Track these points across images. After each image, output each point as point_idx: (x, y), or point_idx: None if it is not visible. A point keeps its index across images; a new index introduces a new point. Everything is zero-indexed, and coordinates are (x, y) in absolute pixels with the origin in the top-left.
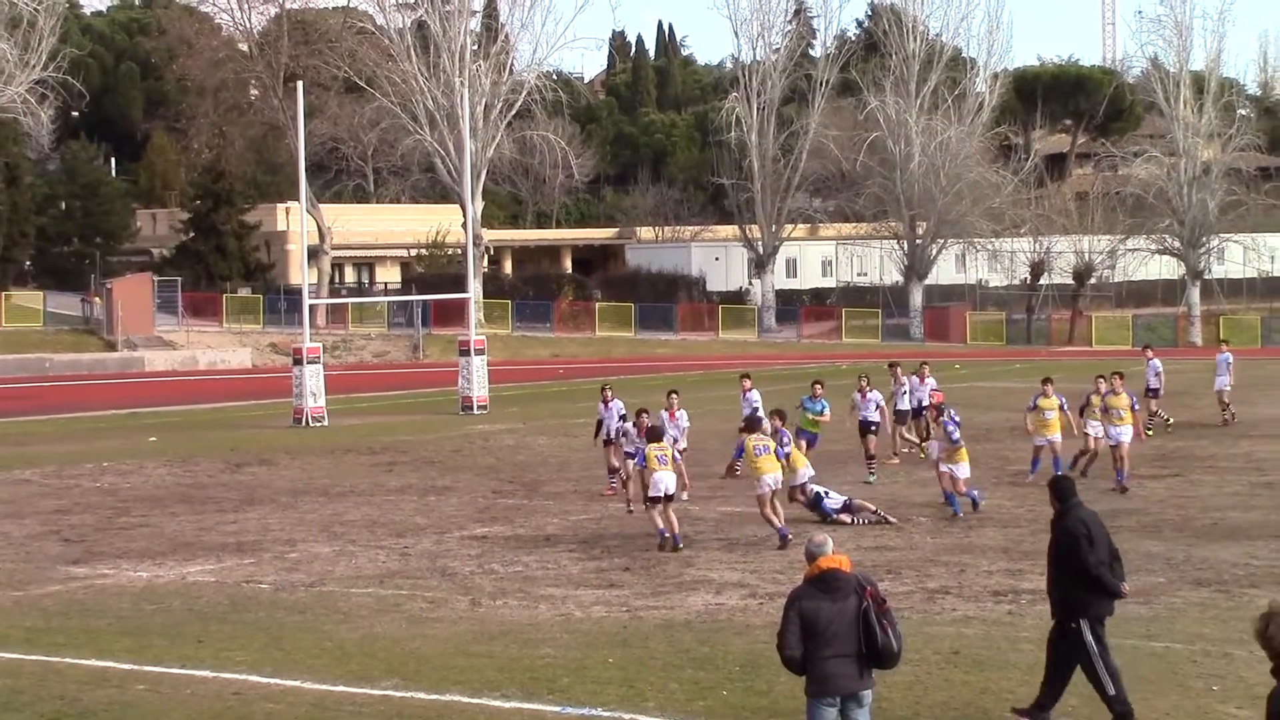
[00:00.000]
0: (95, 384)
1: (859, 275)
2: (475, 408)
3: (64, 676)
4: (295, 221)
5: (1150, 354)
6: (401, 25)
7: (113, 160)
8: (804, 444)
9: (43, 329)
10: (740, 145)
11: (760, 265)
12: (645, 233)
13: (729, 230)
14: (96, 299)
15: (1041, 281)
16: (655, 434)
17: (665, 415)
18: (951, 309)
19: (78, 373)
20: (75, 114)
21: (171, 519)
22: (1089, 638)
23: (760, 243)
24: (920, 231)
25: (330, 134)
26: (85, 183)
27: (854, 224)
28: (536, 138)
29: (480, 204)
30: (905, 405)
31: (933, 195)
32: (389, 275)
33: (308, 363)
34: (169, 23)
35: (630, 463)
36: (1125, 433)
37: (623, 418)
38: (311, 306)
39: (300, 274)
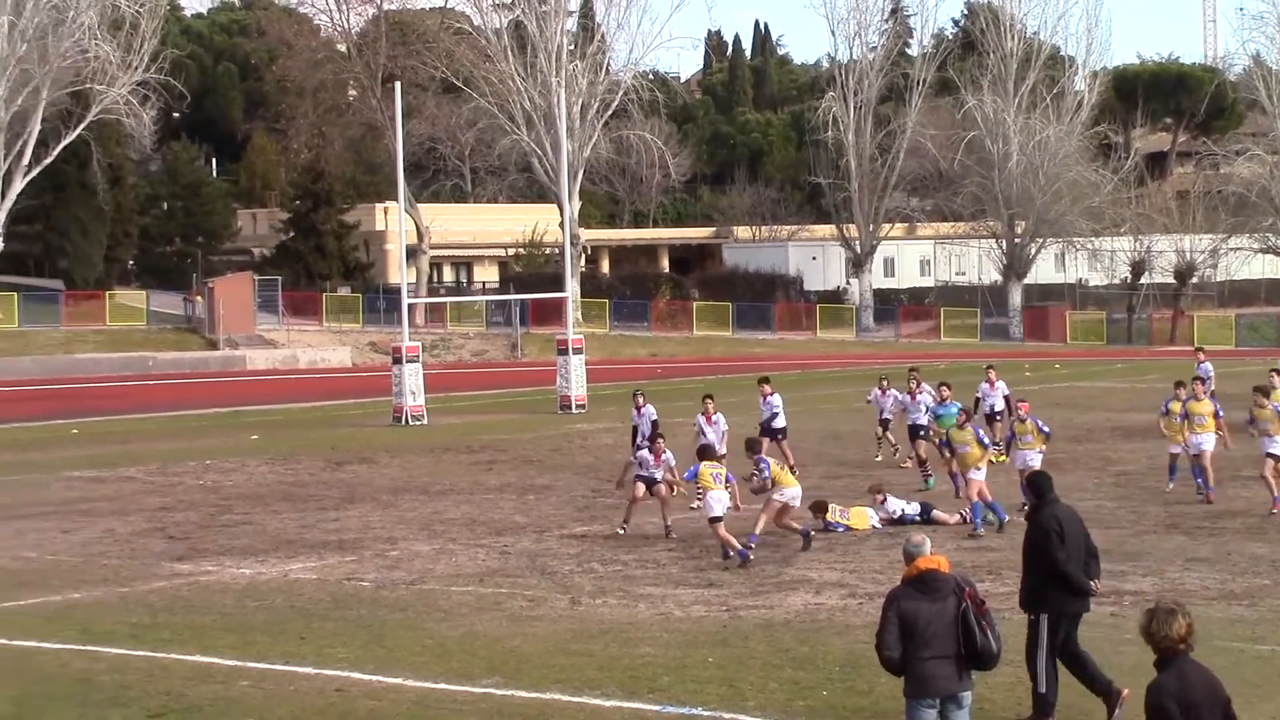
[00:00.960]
0: (197, 382)
1: (957, 274)
2: (573, 407)
3: (170, 672)
4: (394, 221)
5: (1202, 356)
6: (498, 25)
7: (213, 161)
8: (948, 453)
9: (146, 328)
10: (837, 144)
11: (858, 264)
12: (742, 232)
13: (826, 230)
14: (198, 298)
15: (1142, 281)
16: (708, 452)
17: (702, 420)
18: (1051, 308)
19: (180, 371)
20: (176, 115)
21: (274, 516)
22: (1043, 632)
23: (857, 242)
24: (1019, 230)
25: (428, 134)
26: (187, 183)
27: (952, 223)
28: (633, 137)
29: (577, 203)
30: (923, 419)
31: (1031, 194)
32: (487, 274)
33: (407, 361)
34: (268, 24)
35: (639, 485)
36: (1207, 440)
37: (654, 424)
38: (410, 305)
39: (399, 273)
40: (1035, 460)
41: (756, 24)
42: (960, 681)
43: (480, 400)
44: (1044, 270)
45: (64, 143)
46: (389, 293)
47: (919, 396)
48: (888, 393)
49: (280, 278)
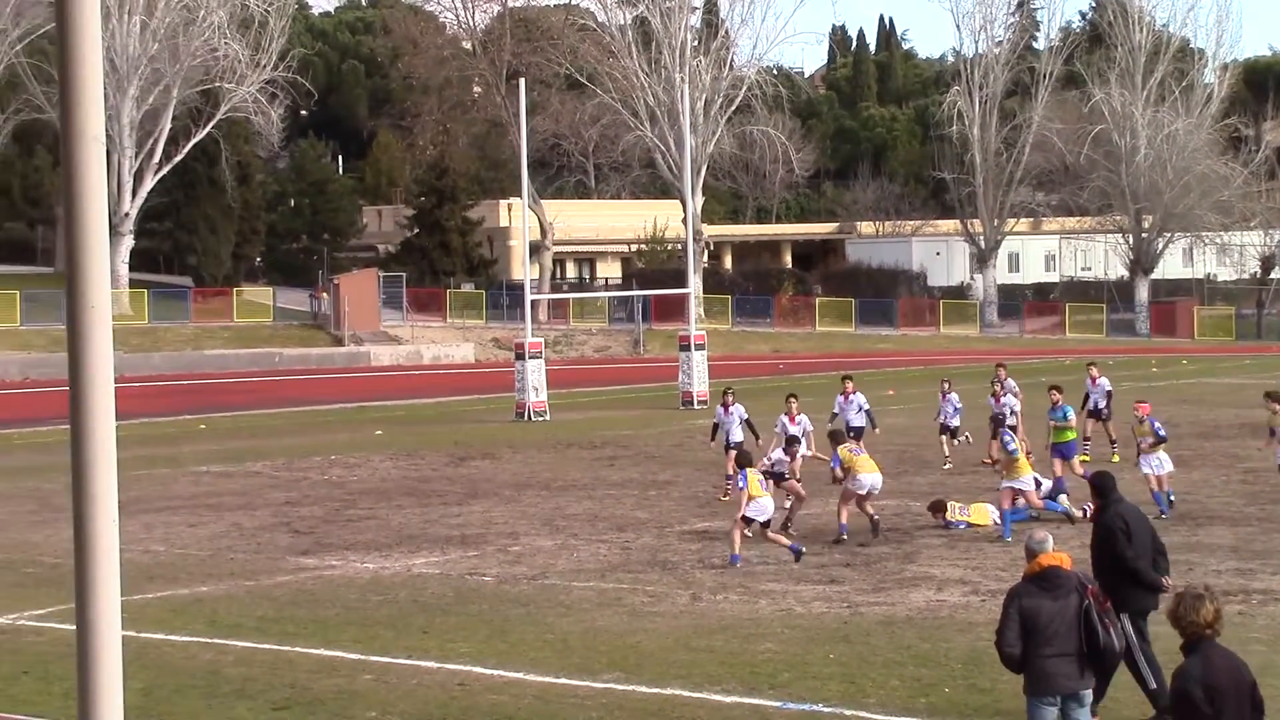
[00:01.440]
0: (323, 378)
1: (1083, 270)
2: (695, 403)
3: (294, 665)
4: (517, 217)
5: None
6: (622, 22)
7: (339, 158)
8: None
9: (272, 324)
10: (962, 139)
11: (982, 260)
12: (866, 227)
13: (950, 225)
14: (324, 294)
15: (1272, 275)
16: (746, 459)
17: (785, 420)
18: (1178, 304)
19: (306, 367)
20: (303, 113)
21: (397, 511)
22: (1129, 630)
23: (982, 237)
24: (1146, 225)
25: (552, 130)
26: (313, 180)
27: (1078, 218)
28: (756, 133)
29: (700, 199)
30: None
31: (1159, 188)
32: (610, 270)
33: (530, 357)
34: (394, 22)
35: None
36: None
37: (746, 422)
38: (533, 302)
39: (522, 269)
40: (1154, 465)
41: (881, 18)
42: (1081, 679)
43: (602, 396)
44: (1171, 265)
45: (194, 141)
46: (512, 289)
47: (948, 397)
48: (948, 396)
49: (405, 274)
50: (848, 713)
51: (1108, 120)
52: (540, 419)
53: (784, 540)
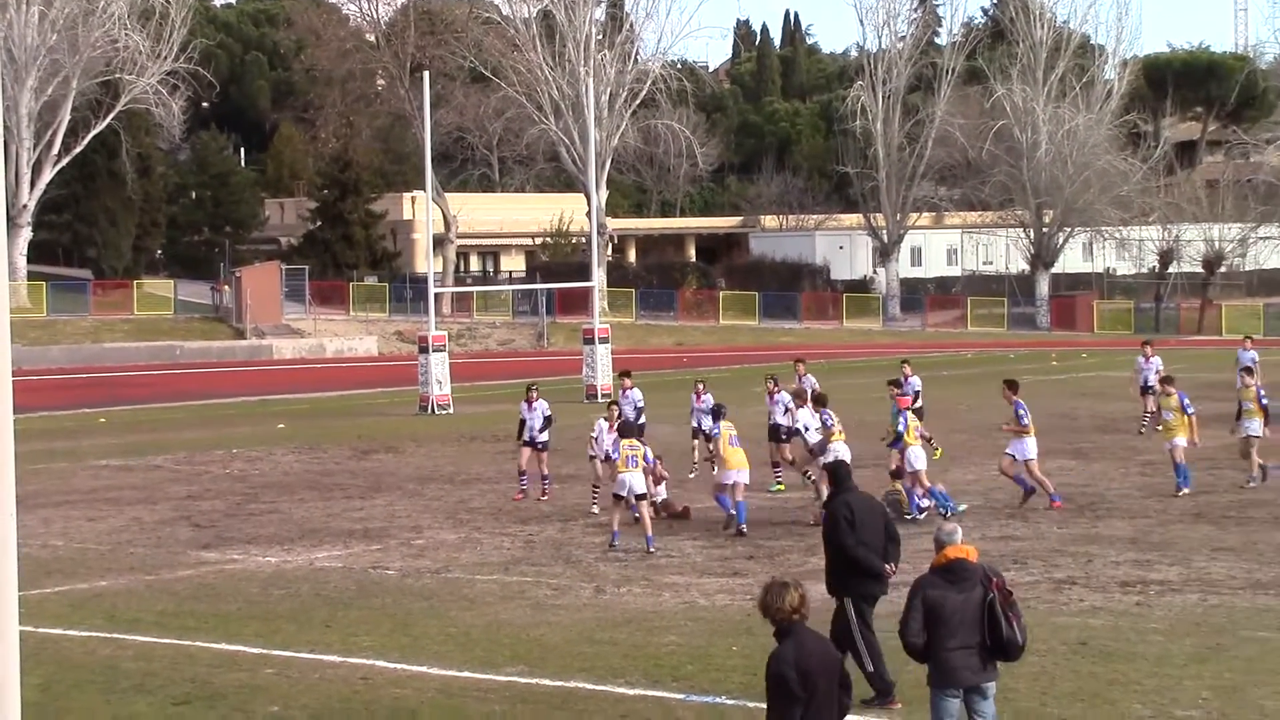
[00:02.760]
0: (224, 371)
1: (984, 264)
2: (599, 396)
3: (195, 660)
4: (421, 210)
5: (1248, 344)
6: (527, 15)
7: (241, 150)
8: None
9: (173, 317)
10: (865, 134)
11: (885, 254)
12: (769, 221)
13: (853, 219)
14: (226, 287)
15: (1170, 270)
16: (626, 430)
17: (694, 399)
18: (1079, 297)
19: (208, 360)
20: (205, 105)
21: (300, 505)
22: (850, 613)
23: (885, 231)
24: (1047, 220)
25: (456, 123)
26: (215, 173)
27: (980, 212)
28: (661, 127)
29: (605, 193)
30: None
31: (1060, 183)
32: (514, 264)
33: (433, 350)
34: (297, 14)
35: (598, 462)
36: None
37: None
38: (437, 295)
39: (426, 262)
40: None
41: (785, 13)
42: (984, 672)
43: (506, 389)
44: (1072, 259)
45: (93, 132)
46: (415, 282)
47: (777, 395)
48: (775, 398)
49: (307, 267)
50: (751, 705)
51: (1009, 116)
52: (444, 412)
53: (649, 527)
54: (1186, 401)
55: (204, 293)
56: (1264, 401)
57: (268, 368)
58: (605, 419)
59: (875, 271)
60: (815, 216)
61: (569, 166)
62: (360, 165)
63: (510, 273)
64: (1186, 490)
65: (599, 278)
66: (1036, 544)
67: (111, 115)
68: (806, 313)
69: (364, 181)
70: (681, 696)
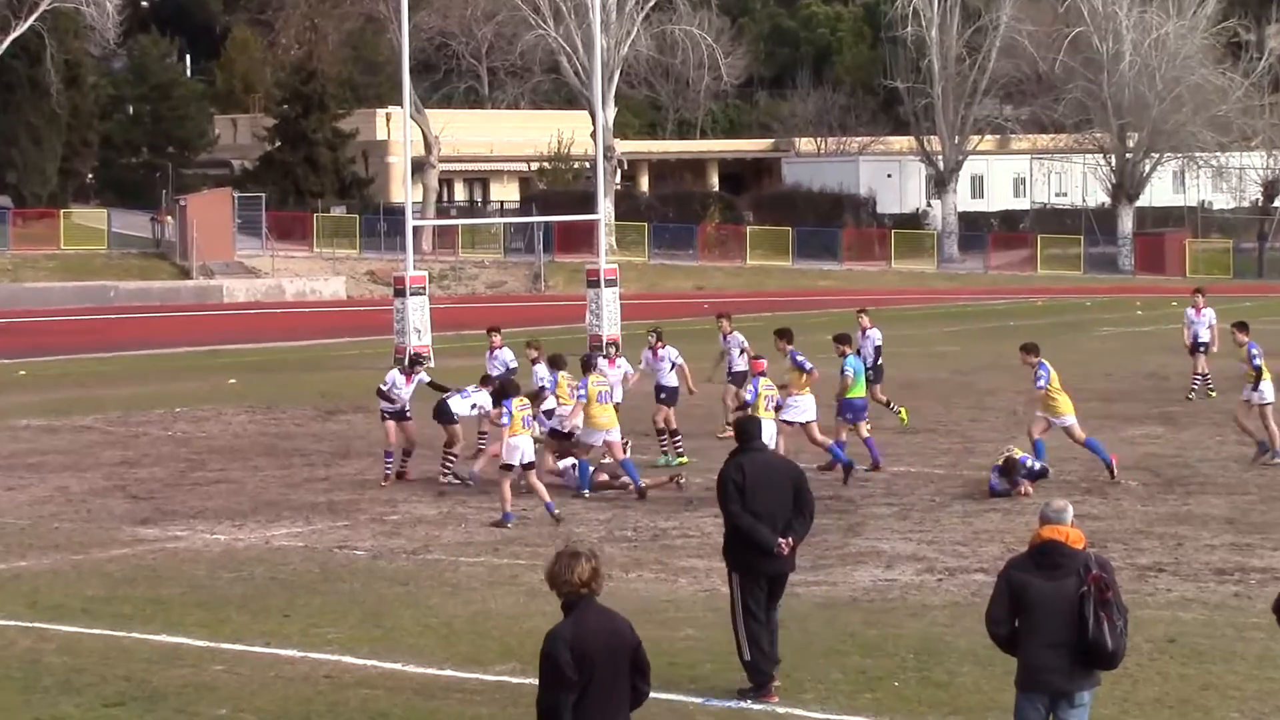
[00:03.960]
0: (166, 317)
1: (1057, 195)
2: (605, 347)
3: (130, 654)
4: (397, 130)
5: None
6: None
7: (187, 58)
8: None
9: (107, 252)
10: (918, 42)
11: (940, 184)
12: (805, 145)
13: (904, 142)
14: (168, 218)
15: (1276, 204)
16: (511, 388)
17: (649, 354)
18: (1167, 236)
19: (147, 304)
20: (145, 4)
21: (254, 474)
22: (734, 591)
23: (941, 157)
24: (1131, 144)
25: (439, 28)
26: (156, 84)
27: (1052, 135)
28: (679, 33)
29: (612, 110)
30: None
31: (1146, 101)
32: (506, 193)
33: (411, 294)
34: None
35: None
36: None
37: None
38: (415, 229)
39: (403, 191)
40: (1263, 393)
41: None
42: (1075, 678)
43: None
44: (1160, 191)
45: (12, 35)
46: (391, 214)
47: (661, 351)
48: (660, 354)
49: (264, 195)
50: (781, 710)
51: (1087, 22)
52: (423, 366)
53: (546, 494)
54: (1255, 352)
55: (142, 224)
56: None
57: (217, 313)
58: (605, 357)
59: (929, 204)
60: (859, 139)
61: (571, 79)
62: (326, 76)
63: (501, 204)
64: None
65: (605, 210)
66: (1117, 524)
67: (34, 16)
68: (848, 252)
69: (330, 96)
70: (699, 700)
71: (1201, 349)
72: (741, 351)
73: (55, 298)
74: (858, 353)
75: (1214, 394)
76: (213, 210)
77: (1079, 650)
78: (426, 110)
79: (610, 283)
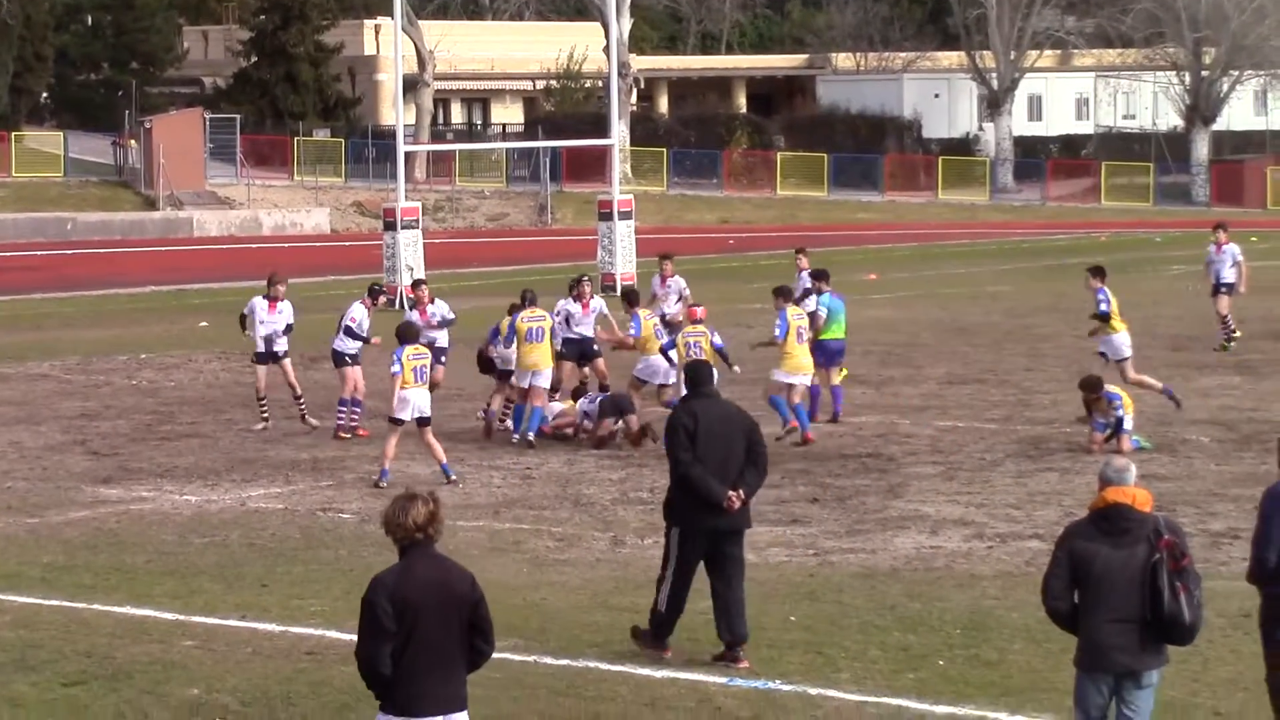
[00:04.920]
0: (130, 252)
1: (1124, 118)
2: (619, 287)
3: (91, 627)
4: (387, 44)
5: None
6: None
7: None
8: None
9: (64, 180)
10: None
11: (994, 105)
12: (843, 61)
13: (953, 58)
14: (132, 142)
15: None
16: (410, 333)
17: (578, 306)
18: (1247, 163)
19: (108, 238)
20: None
21: (228, 428)
22: (671, 545)
23: (994, 75)
24: (1207, 60)
25: None
26: None
27: (1119, 50)
28: None
29: (628, 21)
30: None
31: (1225, 12)
32: (508, 115)
33: (403, 227)
34: None
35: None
36: None
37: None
38: (407, 155)
39: (393, 113)
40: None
41: None
42: (1144, 655)
43: (497, 279)
44: (1240, 114)
45: None
46: (380, 138)
47: (591, 304)
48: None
49: (239, 117)
50: (813, 691)
51: None
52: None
53: (441, 454)
54: (1102, 298)
55: (103, 149)
56: None
57: (187, 248)
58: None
59: (981, 128)
60: (903, 55)
61: None
62: None
63: (504, 127)
64: None
65: (620, 134)
66: (1187, 485)
67: None
68: (890, 181)
69: (313, 5)
70: (723, 680)
71: (1225, 289)
72: (680, 298)
73: (6, 231)
74: (813, 294)
75: (1232, 343)
76: (181, 134)
77: (1150, 625)
78: (420, 21)
79: (625, 215)
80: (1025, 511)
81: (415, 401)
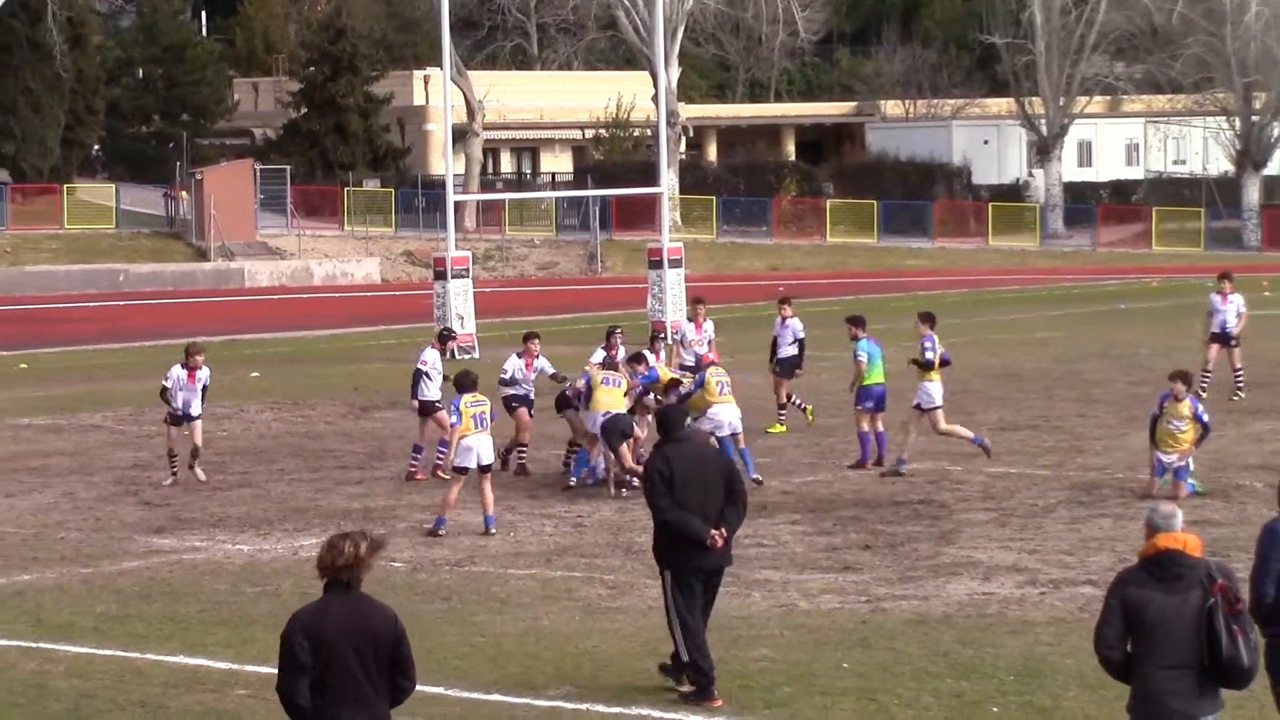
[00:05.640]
0: (182, 303)
1: (1174, 163)
2: (669, 335)
3: (145, 677)
4: (436, 94)
5: None
6: None
7: (203, 15)
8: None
9: (116, 232)
10: None
11: (1043, 151)
12: (892, 108)
13: (1002, 104)
14: (183, 194)
15: None
16: (466, 381)
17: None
18: None
19: (160, 289)
20: None
21: (280, 478)
22: (666, 589)
23: (1044, 121)
24: (1258, 105)
25: None
26: (168, 44)
27: (1169, 96)
28: None
29: (676, 70)
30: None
31: (1275, 56)
32: (557, 164)
33: (453, 277)
34: None
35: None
36: None
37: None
38: (457, 204)
39: (443, 162)
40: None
41: None
42: (1200, 701)
43: (549, 327)
44: None
45: None
46: (430, 187)
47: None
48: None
49: (289, 168)
50: None
51: None
52: (467, 356)
53: (489, 505)
54: (929, 345)
55: (155, 201)
56: None
57: (238, 298)
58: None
59: (1031, 174)
60: (952, 102)
61: (629, 36)
62: (357, 34)
63: (554, 176)
64: None
65: (669, 182)
66: (1240, 531)
67: None
68: (940, 228)
69: (362, 56)
70: None
71: (1227, 341)
72: (709, 343)
73: (59, 282)
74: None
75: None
76: (232, 185)
77: (1206, 671)
78: (469, 72)
79: (675, 263)
80: (1078, 557)
81: (478, 449)
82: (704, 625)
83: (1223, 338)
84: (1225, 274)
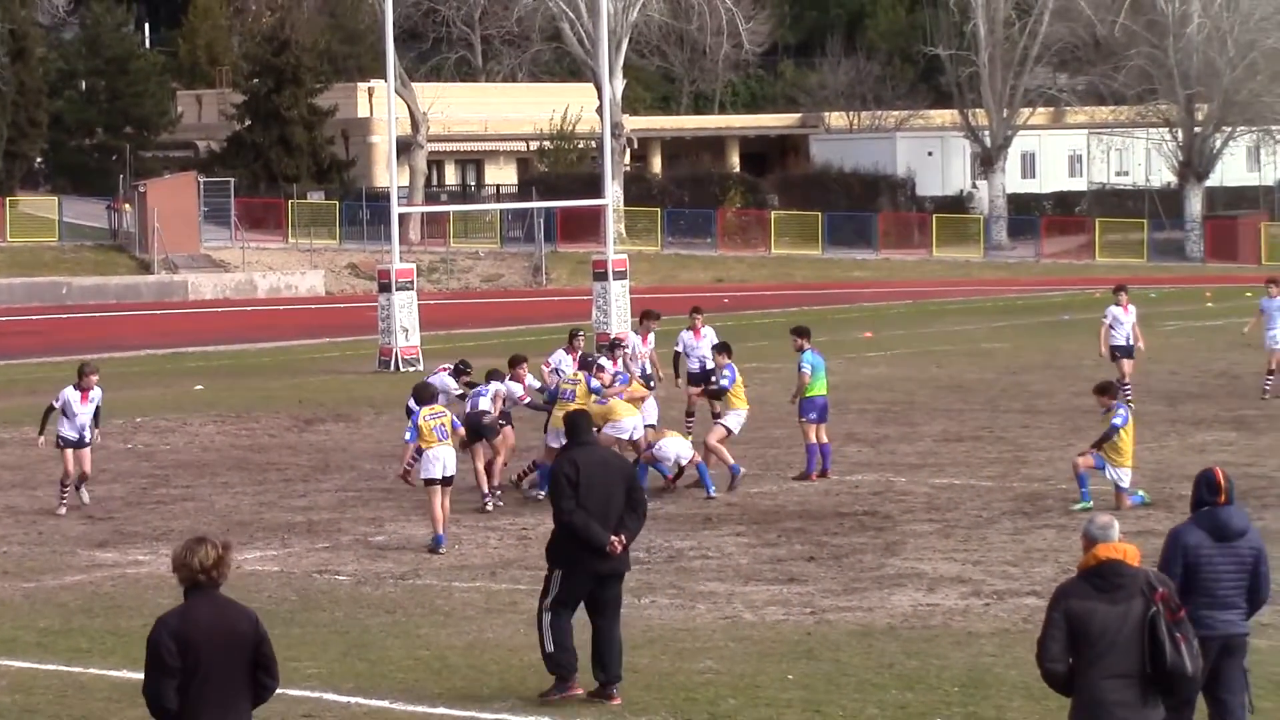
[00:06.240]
0: (125, 315)
1: (1117, 175)
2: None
3: (88, 691)
4: (381, 106)
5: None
6: None
7: (146, 27)
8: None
9: (58, 245)
10: (961, 4)
11: (987, 162)
12: (836, 120)
13: (946, 116)
14: (126, 206)
15: None
16: (426, 394)
17: (566, 356)
18: (1241, 220)
19: (103, 302)
20: None
21: (223, 491)
22: (552, 584)
23: (988, 132)
24: (1199, 117)
25: None
26: (111, 56)
27: (1111, 107)
28: None
29: (621, 83)
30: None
31: (1217, 69)
32: (502, 176)
33: (397, 289)
34: None
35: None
36: None
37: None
38: (402, 216)
39: (387, 174)
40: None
41: None
42: (1143, 710)
43: (493, 340)
44: (1233, 169)
45: None
46: (374, 199)
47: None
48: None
49: (233, 180)
50: None
51: None
52: (412, 369)
53: (443, 518)
54: (727, 373)
55: (98, 213)
56: None
57: (182, 311)
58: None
59: (975, 185)
60: (896, 114)
61: (574, 48)
62: (301, 47)
63: (498, 188)
64: None
65: (614, 194)
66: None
67: None
68: (884, 239)
69: (306, 68)
70: None
71: (1123, 353)
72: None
73: (1, 296)
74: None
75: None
76: (176, 197)
77: (1149, 679)
78: (413, 84)
79: (619, 275)
80: (1022, 568)
81: (444, 459)
82: (615, 630)
83: (1125, 350)
84: (1121, 286)
